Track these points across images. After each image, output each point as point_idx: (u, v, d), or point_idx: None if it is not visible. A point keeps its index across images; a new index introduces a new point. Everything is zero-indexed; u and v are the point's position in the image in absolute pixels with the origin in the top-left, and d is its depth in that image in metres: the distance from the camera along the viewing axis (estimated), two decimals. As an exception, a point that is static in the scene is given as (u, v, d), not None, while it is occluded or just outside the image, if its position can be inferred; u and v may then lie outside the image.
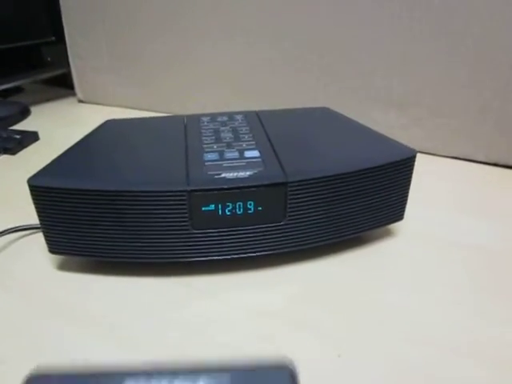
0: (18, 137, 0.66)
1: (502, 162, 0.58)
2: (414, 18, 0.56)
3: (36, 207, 0.36)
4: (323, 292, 0.37)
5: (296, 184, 0.35)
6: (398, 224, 0.42)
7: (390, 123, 0.62)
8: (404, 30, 0.57)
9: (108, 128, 0.47)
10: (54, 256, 0.39)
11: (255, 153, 0.39)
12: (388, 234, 0.44)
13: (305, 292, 0.37)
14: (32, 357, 0.31)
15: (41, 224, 0.36)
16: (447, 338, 0.32)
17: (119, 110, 0.82)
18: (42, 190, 0.35)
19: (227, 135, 0.42)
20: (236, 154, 0.39)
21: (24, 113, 0.79)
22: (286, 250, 0.38)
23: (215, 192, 0.34)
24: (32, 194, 0.35)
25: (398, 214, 0.41)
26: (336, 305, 0.36)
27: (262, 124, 0.45)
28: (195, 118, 0.47)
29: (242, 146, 0.40)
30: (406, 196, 0.41)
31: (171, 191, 0.34)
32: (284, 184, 0.35)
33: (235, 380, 0.12)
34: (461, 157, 0.60)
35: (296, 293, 0.37)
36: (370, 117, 0.61)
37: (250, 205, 0.35)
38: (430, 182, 0.53)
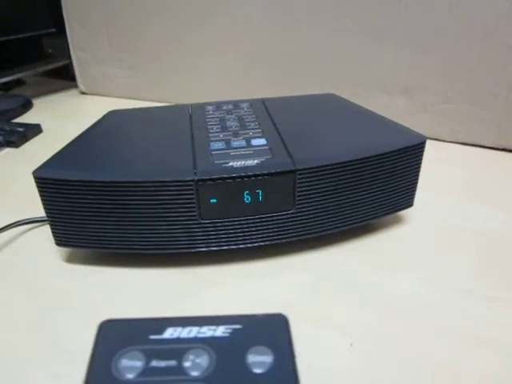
0: (21, 130, 0.65)
1: (510, 147, 0.57)
2: (421, 3, 0.55)
3: (42, 199, 0.35)
4: (334, 280, 0.36)
5: (305, 172, 0.35)
6: (408, 211, 0.42)
7: (397, 109, 0.61)
8: (411, 15, 0.56)
9: (111, 119, 0.47)
10: (60, 248, 0.39)
11: (262, 141, 0.38)
12: (397, 220, 0.43)
13: (316, 280, 0.36)
14: (40, 349, 0.31)
15: (47, 216, 0.36)
16: (458, 325, 0.32)
17: (121, 100, 0.81)
18: (47, 182, 0.34)
19: (233, 124, 0.42)
20: (243, 143, 0.38)
21: (26, 105, 0.78)
22: (295, 238, 0.37)
23: (223, 181, 0.34)
24: (38, 187, 0.35)
25: (407, 201, 0.41)
26: (347, 292, 0.35)
27: (268, 112, 0.44)
28: (200, 107, 0.46)
29: (248, 134, 0.40)
30: (416, 183, 0.40)
31: (178, 181, 0.33)
32: (292, 172, 0.35)
33: (245, 325, 0.17)
34: (469, 142, 0.59)
35: (307, 281, 0.36)
36: (376, 103, 0.61)
37: (259, 193, 0.35)
38: (439, 168, 0.52)
